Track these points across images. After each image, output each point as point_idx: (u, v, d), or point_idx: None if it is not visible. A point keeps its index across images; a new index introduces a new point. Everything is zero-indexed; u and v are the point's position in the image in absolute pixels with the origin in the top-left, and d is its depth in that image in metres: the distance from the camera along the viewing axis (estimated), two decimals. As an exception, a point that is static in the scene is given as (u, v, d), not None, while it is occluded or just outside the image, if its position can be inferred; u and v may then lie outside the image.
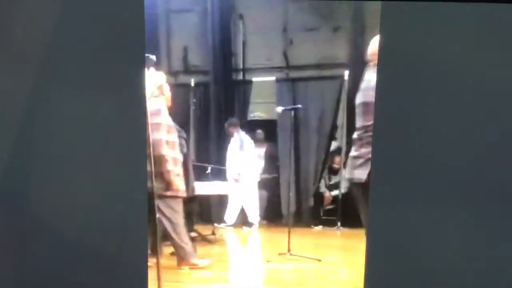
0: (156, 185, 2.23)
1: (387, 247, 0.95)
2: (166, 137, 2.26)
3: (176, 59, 3.64)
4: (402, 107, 0.91)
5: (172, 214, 2.39)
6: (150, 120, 2.22)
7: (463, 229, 0.92)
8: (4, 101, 0.94)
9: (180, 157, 2.32)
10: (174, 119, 3.52)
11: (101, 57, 0.91)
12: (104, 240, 0.96)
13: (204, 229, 3.25)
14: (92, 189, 0.95)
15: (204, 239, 3.15)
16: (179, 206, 2.37)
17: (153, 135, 2.26)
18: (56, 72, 0.93)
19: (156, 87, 2.02)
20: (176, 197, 2.35)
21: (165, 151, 2.22)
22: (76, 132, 0.93)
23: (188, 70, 3.60)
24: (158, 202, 2.26)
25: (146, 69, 1.91)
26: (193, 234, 3.14)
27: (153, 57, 1.82)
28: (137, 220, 0.95)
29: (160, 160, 2.19)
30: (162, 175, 2.27)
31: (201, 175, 3.43)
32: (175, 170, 2.43)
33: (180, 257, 2.39)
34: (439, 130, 0.91)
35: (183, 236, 2.44)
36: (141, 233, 0.98)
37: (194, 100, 3.54)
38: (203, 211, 3.67)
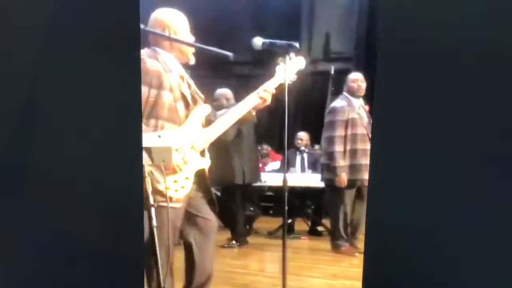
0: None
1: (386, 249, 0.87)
2: None
3: (317, 46, 3.59)
4: (401, 100, 0.81)
5: None
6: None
7: (463, 227, 0.81)
8: (2, 101, 0.94)
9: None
10: (310, 107, 3.49)
11: (97, 49, 0.90)
12: (102, 236, 0.98)
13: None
14: (91, 187, 0.97)
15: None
16: None
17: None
18: (53, 68, 0.95)
19: (295, 72, 2.03)
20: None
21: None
22: (75, 129, 0.94)
23: (328, 57, 3.53)
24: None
25: (287, 55, 1.95)
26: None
27: (297, 45, 1.81)
28: (133, 219, 0.97)
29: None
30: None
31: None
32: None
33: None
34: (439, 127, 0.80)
35: None
36: (138, 229, 1.00)
37: (333, 88, 3.47)
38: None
